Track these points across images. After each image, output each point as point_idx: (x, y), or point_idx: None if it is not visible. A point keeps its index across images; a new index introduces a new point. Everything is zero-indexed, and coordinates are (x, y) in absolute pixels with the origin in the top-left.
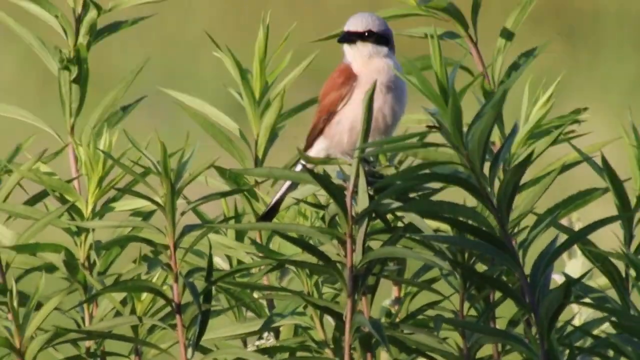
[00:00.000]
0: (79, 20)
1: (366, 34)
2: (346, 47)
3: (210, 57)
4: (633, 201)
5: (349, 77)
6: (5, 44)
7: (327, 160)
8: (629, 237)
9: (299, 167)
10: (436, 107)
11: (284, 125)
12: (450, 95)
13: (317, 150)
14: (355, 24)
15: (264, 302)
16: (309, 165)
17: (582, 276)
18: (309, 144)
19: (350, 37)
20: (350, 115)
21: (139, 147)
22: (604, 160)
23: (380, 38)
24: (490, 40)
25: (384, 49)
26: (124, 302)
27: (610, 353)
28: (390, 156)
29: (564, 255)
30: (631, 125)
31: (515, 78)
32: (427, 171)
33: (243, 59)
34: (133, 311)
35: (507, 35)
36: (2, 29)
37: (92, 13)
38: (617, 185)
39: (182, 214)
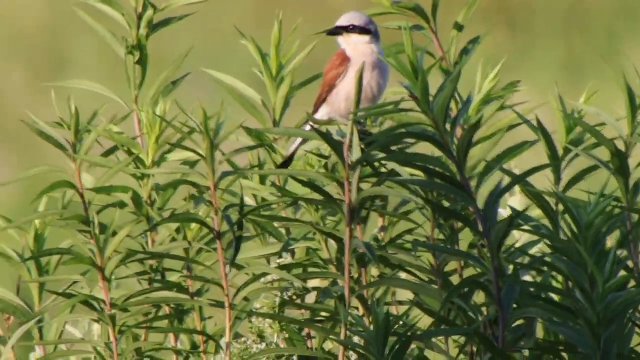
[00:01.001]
0: (139, 17)
1: (350, 27)
2: (337, 38)
3: (238, 44)
4: (560, 151)
5: (344, 59)
6: (84, 35)
7: (329, 121)
8: (557, 179)
9: (307, 127)
10: (409, 82)
11: (294, 95)
12: (419, 72)
13: (322, 114)
14: (342, 20)
15: (283, 230)
16: (315, 126)
17: (524, 210)
18: (315, 109)
19: (337, 30)
20: (345, 87)
21: (186, 112)
22: (537, 120)
23: (362, 29)
24: (449, 30)
25: (366, 38)
26: (177, 231)
27: (544, 268)
28: (375, 118)
29: (507, 194)
30: (557, 94)
31: (466, 60)
32: (403, 130)
33: (263, 45)
34: (184, 237)
35: (459, 27)
36: (81, 23)
37: (149, 11)
38: (547, 138)
39: (219, 163)
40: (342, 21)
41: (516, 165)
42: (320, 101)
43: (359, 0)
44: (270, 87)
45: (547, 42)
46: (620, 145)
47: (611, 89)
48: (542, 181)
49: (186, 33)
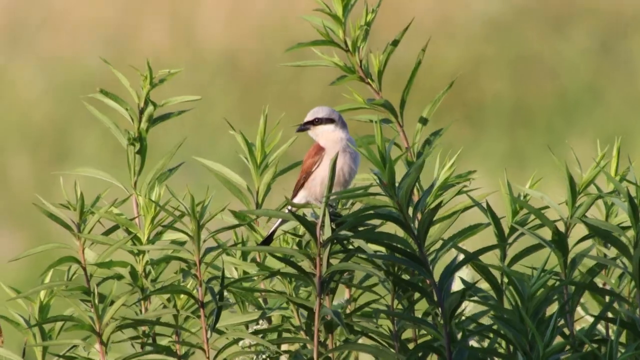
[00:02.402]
0: (141, 112)
1: (315, 120)
2: (308, 132)
3: (221, 136)
4: (507, 232)
5: (320, 149)
6: (91, 127)
7: (305, 205)
8: (503, 255)
9: (287, 210)
10: (378, 169)
11: (276, 181)
12: (387, 162)
13: (300, 198)
14: (308, 116)
15: (261, 300)
16: (293, 209)
17: (474, 283)
18: (294, 193)
19: (305, 126)
20: (321, 174)
21: (177, 198)
22: (488, 205)
23: (327, 120)
24: (412, 121)
25: (331, 126)
26: (169, 300)
27: (491, 334)
28: (346, 201)
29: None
30: (506, 180)
31: (429, 152)
32: (371, 212)
33: (249, 135)
34: (174, 306)
35: (424, 121)
36: (84, 117)
37: (150, 107)
38: (496, 222)
39: (204, 241)
40: (308, 117)
41: (464, 243)
42: (298, 186)
43: (334, 94)
44: (255, 174)
45: (495, 134)
46: (561, 227)
47: (548, 178)
48: (490, 256)
49: (175, 125)
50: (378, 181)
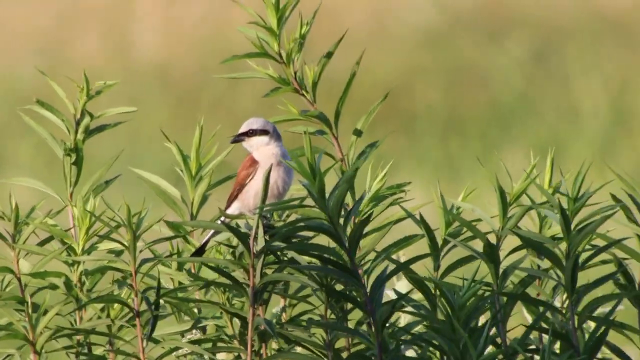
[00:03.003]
0: (77, 123)
1: (250, 132)
2: (242, 144)
3: (162, 146)
4: (440, 243)
5: (253, 162)
6: (26, 137)
7: (239, 216)
8: (436, 266)
9: (220, 221)
10: (308, 181)
11: (211, 193)
12: (317, 173)
13: (233, 209)
14: (242, 128)
15: (195, 310)
16: (227, 220)
17: (407, 293)
18: (228, 205)
19: (239, 138)
20: (254, 186)
21: (113, 209)
22: (421, 216)
23: (261, 131)
24: (347, 132)
25: (266, 138)
26: (103, 310)
27: (423, 344)
28: (281, 213)
29: (394, 278)
30: (439, 193)
31: (360, 163)
32: (302, 224)
33: (184, 146)
34: (109, 315)
35: (358, 132)
36: (22, 126)
37: (87, 118)
38: (429, 233)
39: (140, 251)
40: (243, 128)
41: (404, 253)
42: (232, 198)
43: (270, 105)
44: (190, 186)
45: (429, 144)
46: (492, 238)
47: (483, 187)
48: (424, 268)
49: (109, 135)
50: (308, 193)
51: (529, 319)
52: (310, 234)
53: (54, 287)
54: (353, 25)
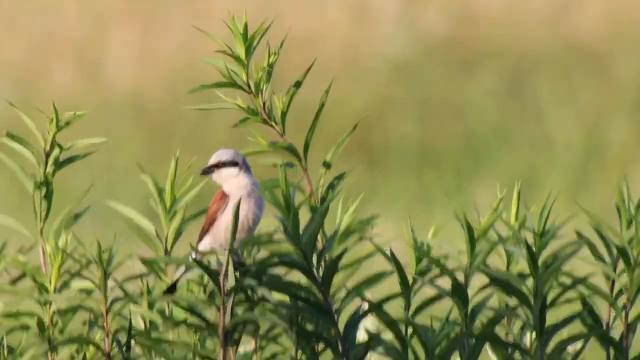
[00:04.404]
0: (47, 155)
1: (219, 164)
2: (211, 175)
3: (136, 177)
4: (410, 280)
5: (223, 195)
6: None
7: (211, 252)
8: (407, 305)
9: (191, 257)
10: (283, 215)
11: (187, 227)
12: (292, 208)
13: (205, 244)
14: (212, 159)
15: (169, 350)
16: (198, 256)
17: (379, 333)
18: (200, 239)
19: (209, 170)
20: (225, 220)
21: (84, 246)
22: (392, 252)
23: (231, 163)
24: (317, 165)
25: (235, 170)
26: (78, 351)
27: None
28: (251, 248)
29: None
30: (410, 228)
31: (332, 197)
32: (276, 260)
33: (159, 179)
34: (84, 357)
35: (327, 165)
36: None
37: (56, 150)
38: (400, 270)
39: (112, 289)
40: (212, 160)
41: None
42: (203, 232)
43: (239, 137)
44: (164, 219)
45: (402, 177)
46: (461, 275)
47: (455, 221)
48: (394, 305)
49: (84, 167)
50: (283, 228)
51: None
52: (281, 271)
53: (26, 327)
54: (326, 55)
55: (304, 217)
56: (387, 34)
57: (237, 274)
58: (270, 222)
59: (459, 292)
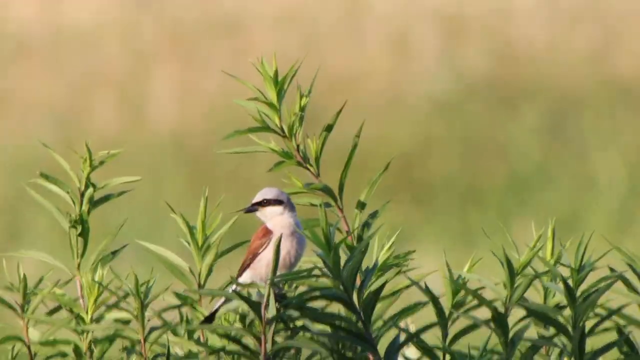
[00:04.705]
0: (82, 194)
1: (264, 201)
2: (256, 213)
3: (169, 217)
4: (447, 312)
5: (267, 232)
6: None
7: (251, 284)
8: (444, 334)
9: (232, 288)
10: (323, 253)
11: (218, 262)
12: (332, 246)
13: (245, 278)
14: (256, 197)
15: None
16: (238, 288)
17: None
18: (240, 273)
19: (253, 207)
20: (267, 256)
21: (121, 278)
22: (426, 285)
23: (275, 201)
24: (355, 201)
25: (280, 208)
26: None
27: None
28: (291, 283)
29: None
30: (445, 262)
31: (371, 235)
32: (318, 293)
33: (194, 217)
34: None
35: (361, 205)
36: (31, 201)
37: (90, 190)
38: (434, 301)
39: (149, 320)
40: (257, 198)
41: (412, 320)
42: (244, 267)
43: (282, 174)
44: (197, 257)
45: (445, 214)
46: (499, 306)
47: (495, 259)
48: (433, 333)
49: (125, 205)
50: (323, 263)
51: None
52: (320, 304)
53: (63, 354)
54: (369, 94)
55: (341, 256)
56: (428, 72)
57: (278, 305)
58: (308, 260)
59: (499, 321)
